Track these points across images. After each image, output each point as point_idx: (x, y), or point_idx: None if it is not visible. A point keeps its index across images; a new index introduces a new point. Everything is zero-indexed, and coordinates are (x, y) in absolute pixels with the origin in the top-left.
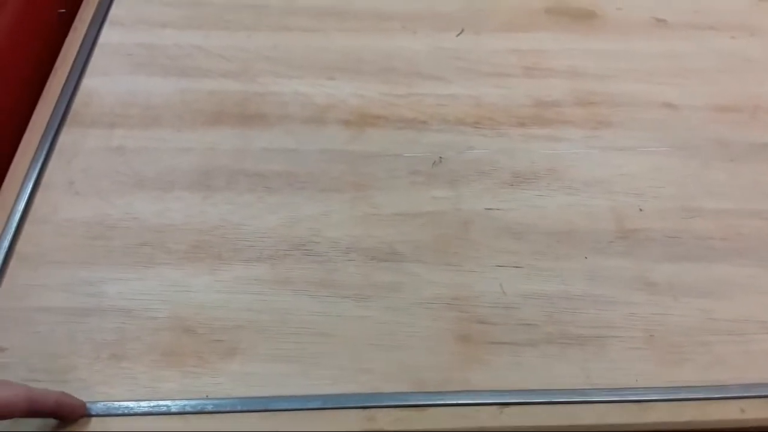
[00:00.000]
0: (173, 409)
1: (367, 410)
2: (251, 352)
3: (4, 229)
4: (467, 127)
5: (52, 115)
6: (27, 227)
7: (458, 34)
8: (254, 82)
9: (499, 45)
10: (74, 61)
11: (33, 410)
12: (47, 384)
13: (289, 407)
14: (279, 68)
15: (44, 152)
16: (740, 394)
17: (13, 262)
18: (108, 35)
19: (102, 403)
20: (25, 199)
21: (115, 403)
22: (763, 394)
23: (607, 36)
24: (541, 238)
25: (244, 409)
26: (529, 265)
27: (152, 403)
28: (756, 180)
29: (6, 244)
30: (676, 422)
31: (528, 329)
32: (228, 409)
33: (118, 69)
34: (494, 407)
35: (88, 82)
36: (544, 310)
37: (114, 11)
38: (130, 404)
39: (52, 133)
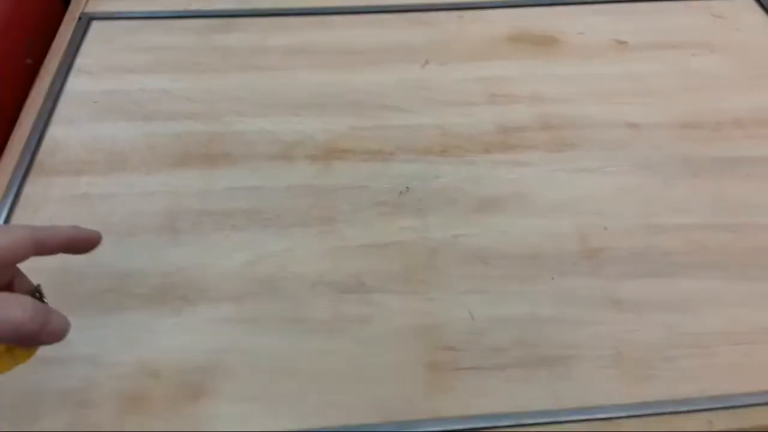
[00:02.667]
0: None
1: None
2: (218, 392)
3: None
4: (433, 156)
5: (17, 166)
6: None
7: (423, 65)
8: (219, 122)
9: (463, 74)
10: (39, 111)
11: (41, 251)
12: None
13: None
14: (245, 108)
15: (9, 203)
16: (707, 407)
17: None
18: (74, 83)
19: None
20: None
21: None
22: (729, 405)
23: (569, 60)
24: (508, 262)
25: None
26: (496, 289)
27: None
28: (718, 194)
29: None
30: None
31: (496, 354)
32: None
33: (84, 116)
34: None
35: (53, 131)
36: (512, 333)
37: (80, 60)
38: None
39: (17, 183)
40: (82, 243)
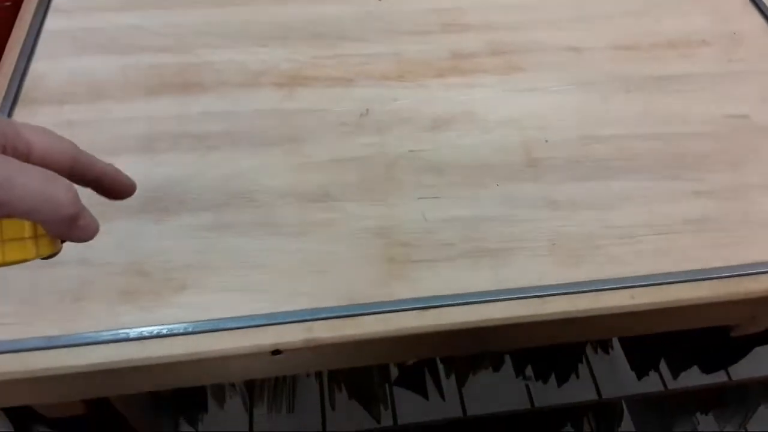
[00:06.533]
0: (132, 336)
1: (306, 323)
2: (200, 285)
3: None
4: (391, 81)
5: (4, 97)
6: None
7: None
8: (190, 54)
9: (419, 6)
10: (22, 48)
11: (76, 170)
12: (16, 327)
13: (236, 326)
14: (213, 41)
15: None
16: (630, 284)
17: None
18: (52, 23)
19: (66, 336)
20: None
21: (79, 334)
22: (650, 282)
23: None
24: (459, 171)
25: (196, 330)
26: (447, 195)
27: (113, 332)
28: (649, 108)
29: None
30: (573, 311)
31: (445, 248)
32: (181, 332)
33: (63, 52)
34: (415, 311)
35: (36, 66)
36: (460, 231)
37: (56, 0)
38: (93, 335)
39: (5, 113)
40: (116, 184)
